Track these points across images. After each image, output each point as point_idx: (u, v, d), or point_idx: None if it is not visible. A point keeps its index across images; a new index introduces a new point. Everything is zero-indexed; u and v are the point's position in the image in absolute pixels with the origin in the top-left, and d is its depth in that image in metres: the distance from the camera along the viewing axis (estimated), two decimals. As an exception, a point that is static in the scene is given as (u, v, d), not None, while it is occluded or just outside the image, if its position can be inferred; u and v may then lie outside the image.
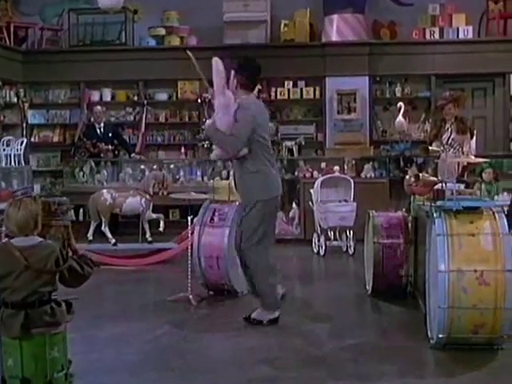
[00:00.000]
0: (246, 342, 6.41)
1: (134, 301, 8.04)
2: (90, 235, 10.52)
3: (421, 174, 6.15)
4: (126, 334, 6.63)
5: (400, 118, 12.27)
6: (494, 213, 5.90)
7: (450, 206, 5.85)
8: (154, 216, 10.58)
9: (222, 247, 7.83)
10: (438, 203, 5.93)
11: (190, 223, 7.90)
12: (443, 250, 5.72)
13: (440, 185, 6.10)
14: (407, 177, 6.57)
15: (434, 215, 5.91)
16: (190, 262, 7.83)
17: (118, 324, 6.97)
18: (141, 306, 7.78)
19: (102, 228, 10.50)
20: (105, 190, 10.66)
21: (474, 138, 10.09)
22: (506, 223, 5.78)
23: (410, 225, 7.82)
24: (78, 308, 4.35)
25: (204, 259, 7.92)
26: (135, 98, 14.71)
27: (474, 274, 5.65)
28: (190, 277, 7.77)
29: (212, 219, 7.98)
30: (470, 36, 13.90)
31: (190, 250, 7.86)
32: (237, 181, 6.99)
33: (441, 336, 5.80)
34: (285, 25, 14.34)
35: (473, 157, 6.53)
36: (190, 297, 7.71)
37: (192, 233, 7.91)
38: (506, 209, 7.21)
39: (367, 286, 8.12)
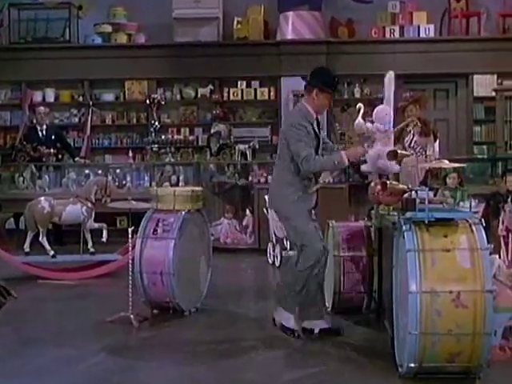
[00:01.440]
0: (191, 371, 5.68)
1: (69, 322, 7.17)
2: (26, 247, 9.66)
3: (388, 182, 5.47)
4: (55, 364, 5.82)
5: (360, 119, 11.64)
6: (470, 225, 5.21)
7: (422, 218, 5.16)
8: (96, 225, 9.79)
9: (166, 261, 7.05)
10: (408, 214, 5.23)
11: (130, 236, 7.11)
12: (414, 267, 5.03)
13: (409, 193, 5.40)
14: (372, 184, 5.89)
15: (404, 228, 5.22)
16: (130, 278, 7.06)
17: (47, 351, 6.13)
18: (75, 328, 6.90)
19: (40, 239, 9.64)
20: (42, 198, 9.81)
21: (438, 140, 9.58)
22: (484, 236, 5.11)
23: (373, 236, 7.15)
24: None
25: (146, 275, 7.15)
26: (80, 99, 14.20)
27: (449, 295, 4.96)
28: (131, 294, 6.97)
29: (155, 230, 7.20)
30: (432, 35, 13.65)
31: (130, 266, 7.09)
32: None
33: (412, 365, 5.11)
34: (238, 22, 13.94)
35: (446, 161, 5.88)
36: (131, 317, 6.93)
37: (133, 247, 7.14)
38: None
39: (327, 303, 7.42)
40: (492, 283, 5.06)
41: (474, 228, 5.18)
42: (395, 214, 5.89)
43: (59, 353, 6.10)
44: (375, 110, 6.50)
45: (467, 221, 5.26)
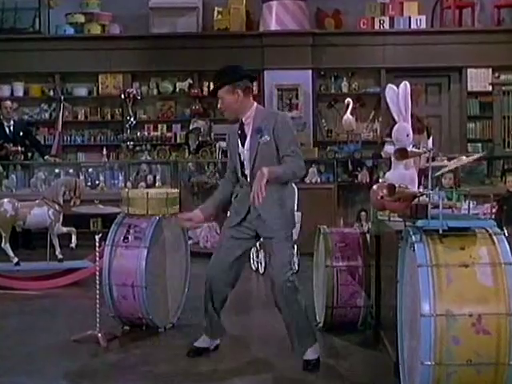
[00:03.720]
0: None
1: (27, 342, 6.32)
2: (-14, 253, 8.90)
3: (397, 185, 4.70)
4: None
5: (348, 115, 11.06)
6: (490, 235, 4.47)
7: (435, 226, 4.41)
8: (65, 230, 8.97)
9: (138, 273, 6.27)
10: (420, 223, 4.46)
11: (97, 244, 6.32)
12: (427, 286, 4.26)
13: (420, 198, 4.64)
14: (374, 187, 5.14)
15: (413, 238, 4.46)
16: (98, 291, 6.28)
17: (-3, 380, 5.36)
18: (34, 349, 6.06)
19: (3, 244, 8.84)
20: (5, 200, 8.96)
21: (431, 137, 8.97)
22: (508, 248, 4.36)
23: (369, 243, 6.42)
24: None
25: (116, 288, 6.37)
26: (51, 94, 13.62)
27: (468, 318, 4.20)
28: (98, 310, 6.20)
29: (126, 238, 6.43)
30: (423, 26, 13.12)
31: (98, 277, 6.31)
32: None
33: (424, 401, 4.36)
34: (218, 12, 13.43)
35: (465, 157, 5.14)
36: (99, 336, 6.16)
37: (101, 256, 6.36)
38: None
39: (318, 318, 6.69)
40: (518, 304, 4.32)
41: (495, 238, 4.43)
42: (399, 220, 5.16)
43: (10, 382, 5.30)
44: (395, 129, 5.48)
45: (486, 230, 4.51)
